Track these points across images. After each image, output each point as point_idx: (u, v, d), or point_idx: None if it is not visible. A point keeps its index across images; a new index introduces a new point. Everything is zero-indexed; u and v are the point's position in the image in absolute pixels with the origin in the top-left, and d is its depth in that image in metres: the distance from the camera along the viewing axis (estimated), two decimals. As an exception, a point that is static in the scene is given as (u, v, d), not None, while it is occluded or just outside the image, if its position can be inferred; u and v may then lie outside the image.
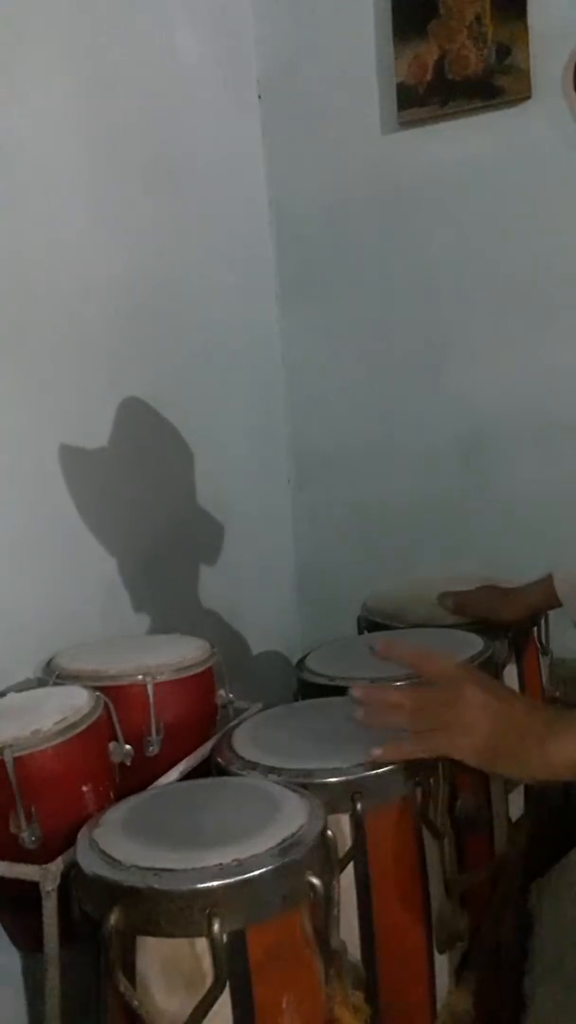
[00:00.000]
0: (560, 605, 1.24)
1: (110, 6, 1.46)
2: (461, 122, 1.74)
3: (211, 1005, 0.64)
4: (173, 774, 0.99)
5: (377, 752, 0.84)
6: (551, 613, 1.33)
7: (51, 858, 0.81)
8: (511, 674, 1.25)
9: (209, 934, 0.64)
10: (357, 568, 1.89)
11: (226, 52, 1.80)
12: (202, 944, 0.65)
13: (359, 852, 0.83)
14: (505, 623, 1.26)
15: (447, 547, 1.83)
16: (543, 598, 1.25)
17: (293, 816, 0.75)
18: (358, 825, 0.82)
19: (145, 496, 1.52)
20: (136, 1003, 0.66)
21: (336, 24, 1.84)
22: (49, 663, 1.11)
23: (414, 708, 0.86)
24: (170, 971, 0.66)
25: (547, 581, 1.24)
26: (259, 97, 1.91)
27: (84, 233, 1.39)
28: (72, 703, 0.91)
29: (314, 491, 2.01)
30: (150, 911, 0.65)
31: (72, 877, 0.75)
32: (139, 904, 0.66)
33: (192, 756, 1.03)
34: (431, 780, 0.89)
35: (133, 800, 0.84)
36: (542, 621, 1.35)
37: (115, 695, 0.97)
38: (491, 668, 1.12)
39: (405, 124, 1.78)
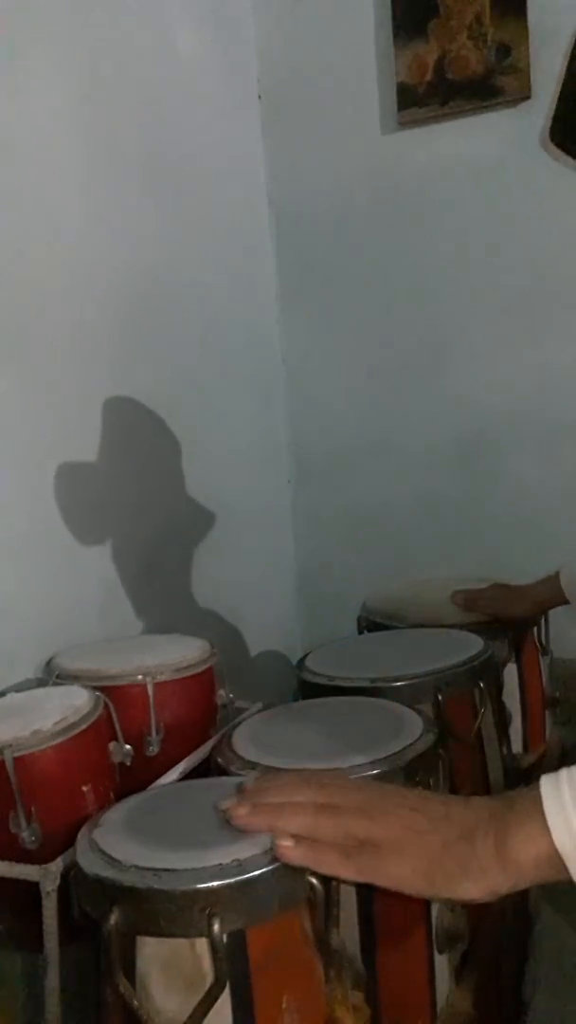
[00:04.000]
0: (567, 602, 1.25)
1: (110, 6, 1.46)
2: (461, 122, 1.75)
3: (211, 1005, 0.64)
4: (173, 774, 0.99)
5: (285, 843, 0.66)
6: (551, 613, 1.33)
7: (51, 858, 0.81)
8: (511, 674, 1.25)
9: (209, 934, 0.64)
10: (357, 568, 1.89)
11: (226, 52, 1.80)
12: (202, 944, 0.65)
13: (359, 852, 0.82)
14: (514, 619, 1.28)
15: (447, 547, 1.83)
16: (551, 595, 1.27)
17: (293, 816, 0.75)
18: (358, 825, 0.82)
19: (145, 496, 1.52)
20: (136, 1003, 0.66)
21: (336, 24, 1.84)
22: (49, 663, 1.11)
23: (320, 807, 0.68)
24: (170, 971, 0.66)
25: (554, 578, 1.26)
26: (259, 97, 1.91)
27: (84, 233, 1.39)
28: (72, 703, 0.91)
29: (314, 491, 2.01)
30: (150, 911, 0.65)
31: (72, 877, 0.74)
32: (139, 904, 0.66)
33: (192, 756, 1.03)
34: (431, 780, 0.88)
35: (133, 800, 0.84)
36: (542, 621, 1.36)
37: (115, 695, 0.97)
38: (491, 668, 1.13)
39: (405, 124, 1.79)
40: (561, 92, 0.82)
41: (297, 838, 0.67)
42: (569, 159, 0.82)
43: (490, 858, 0.63)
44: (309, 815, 0.68)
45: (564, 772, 0.62)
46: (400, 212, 1.84)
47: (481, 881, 0.63)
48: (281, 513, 2.01)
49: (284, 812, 0.69)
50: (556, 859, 0.60)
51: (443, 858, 0.64)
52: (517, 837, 0.62)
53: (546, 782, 0.63)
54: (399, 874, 0.65)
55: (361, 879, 0.67)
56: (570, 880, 0.60)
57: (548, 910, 0.95)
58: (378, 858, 0.66)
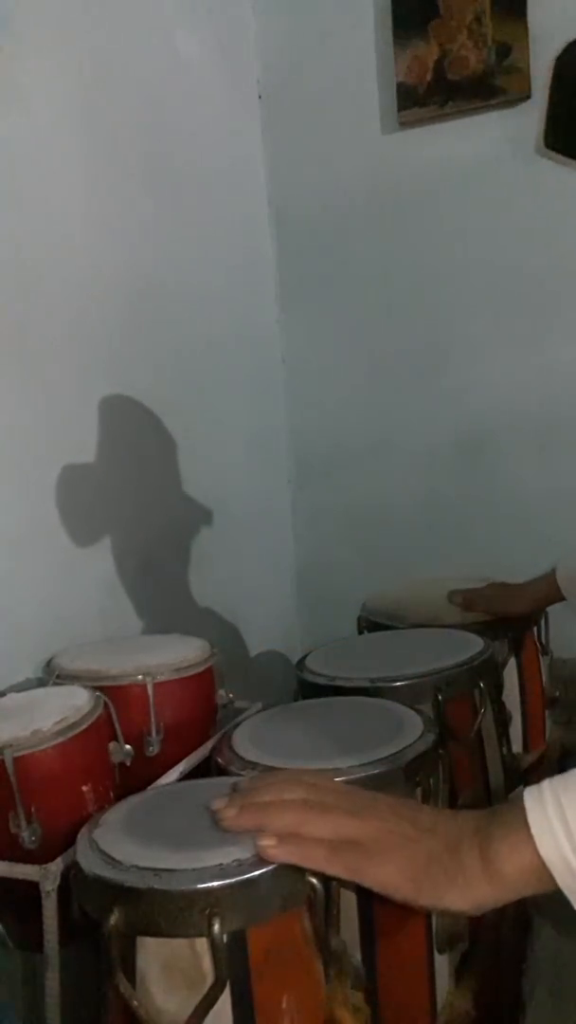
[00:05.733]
0: (564, 599, 1.25)
1: (110, 6, 1.46)
2: (461, 122, 1.75)
3: (211, 1005, 0.64)
4: (173, 774, 0.99)
5: (267, 842, 0.66)
6: (551, 612, 1.34)
7: (51, 858, 0.81)
8: (511, 674, 1.25)
9: (209, 934, 0.64)
10: (357, 568, 1.89)
11: (226, 52, 1.80)
12: (202, 944, 0.65)
13: (359, 852, 0.82)
14: (513, 617, 1.28)
15: (447, 547, 1.83)
16: (548, 592, 1.27)
17: (293, 816, 0.75)
18: (358, 825, 0.82)
19: (145, 496, 1.52)
20: (136, 1003, 0.66)
21: (336, 24, 1.84)
22: (49, 663, 1.11)
23: (309, 806, 0.68)
24: (170, 971, 0.66)
25: (550, 575, 1.26)
26: (259, 97, 1.91)
27: (84, 233, 1.39)
28: (72, 703, 0.91)
29: (314, 491, 2.01)
30: (150, 911, 0.65)
31: (72, 877, 0.74)
32: (139, 904, 0.66)
33: (192, 756, 1.03)
34: (431, 780, 0.88)
35: (133, 800, 0.84)
36: (542, 621, 1.36)
37: (115, 695, 0.97)
38: (491, 668, 1.13)
39: (405, 124, 1.79)
40: (550, 97, 0.82)
41: (283, 835, 0.67)
42: (567, 159, 0.82)
43: (476, 870, 0.63)
44: (298, 812, 0.68)
45: (547, 783, 0.63)
46: (400, 212, 1.84)
47: (467, 892, 0.63)
48: (281, 513, 2.01)
49: (272, 810, 0.69)
50: (541, 869, 0.61)
51: (429, 866, 0.64)
52: (502, 848, 0.62)
53: (529, 794, 0.63)
54: (386, 876, 0.65)
55: (348, 876, 0.66)
56: (556, 890, 0.61)
57: (547, 911, 0.95)
58: (366, 858, 0.66)
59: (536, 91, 1.66)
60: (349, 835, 0.67)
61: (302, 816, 0.68)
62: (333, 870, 0.66)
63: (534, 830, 0.61)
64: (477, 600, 1.30)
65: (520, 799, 0.63)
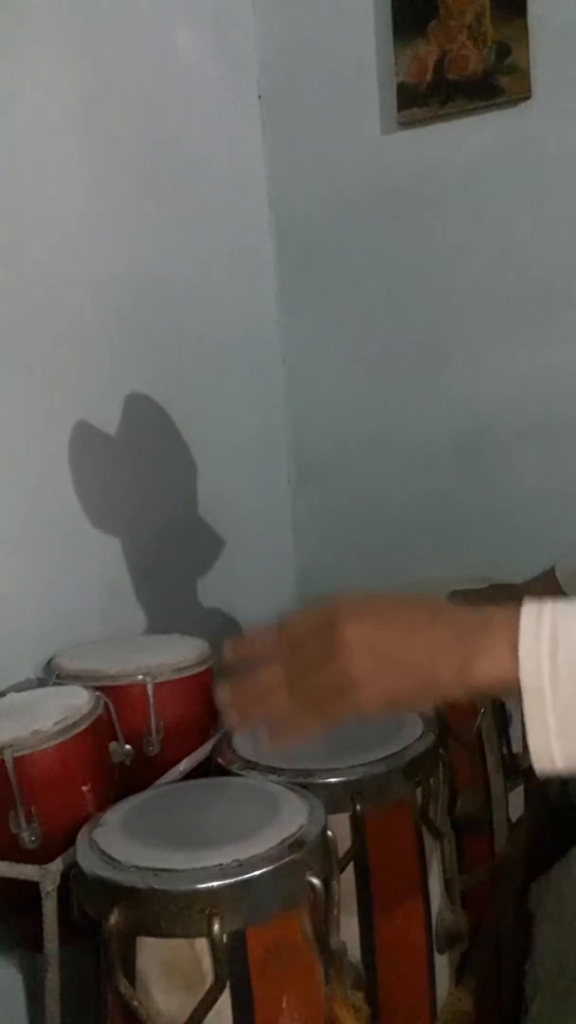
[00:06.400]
0: (565, 596, 1.25)
1: (110, 6, 1.46)
2: (461, 122, 1.74)
3: (211, 1005, 0.64)
4: (173, 774, 0.99)
5: (266, 743, 0.71)
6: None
7: (51, 858, 0.81)
8: (511, 674, 1.25)
9: (209, 934, 0.64)
10: (357, 568, 1.89)
11: (226, 52, 1.80)
12: (202, 944, 0.65)
13: (359, 852, 0.82)
14: None
15: (447, 547, 1.83)
16: (548, 590, 1.26)
17: (293, 816, 0.75)
18: (358, 825, 0.82)
19: (145, 496, 1.52)
20: (136, 1003, 0.66)
21: (336, 24, 1.83)
22: (49, 663, 1.11)
23: (289, 681, 0.70)
24: (170, 971, 0.66)
25: (550, 574, 1.26)
26: (259, 97, 1.91)
27: (84, 233, 1.39)
28: (72, 703, 0.91)
29: (314, 491, 2.01)
30: (150, 911, 0.65)
31: (72, 877, 0.75)
32: (139, 904, 0.66)
33: (192, 756, 1.03)
34: (431, 780, 0.89)
35: (133, 800, 0.84)
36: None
37: (115, 695, 0.97)
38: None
39: (405, 124, 1.78)
40: None
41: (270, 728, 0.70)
42: None
43: (451, 682, 0.63)
44: (283, 689, 0.69)
45: (549, 606, 0.62)
46: (400, 212, 1.84)
47: (441, 699, 0.69)
48: (281, 512, 2.01)
49: (264, 697, 0.70)
50: (514, 685, 0.61)
51: (403, 686, 0.66)
52: (485, 661, 0.62)
53: (528, 611, 0.62)
54: (358, 710, 0.67)
55: (332, 722, 0.68)
56: (518, 701, 0.61)
57: (547, 910, 0.95)
58: (340, 701, 0.67)
59: (536, 91, 1.66)
60: (327, 682, 0.67)
61: (287, 688, 0.69)
62: (323, 727, 0.69)
63: (521, 652, 0.61)
64: (477, 601, 1.30)
65: (518, 612, 0.62)
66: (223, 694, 0.72)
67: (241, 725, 0.73)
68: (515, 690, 0.60)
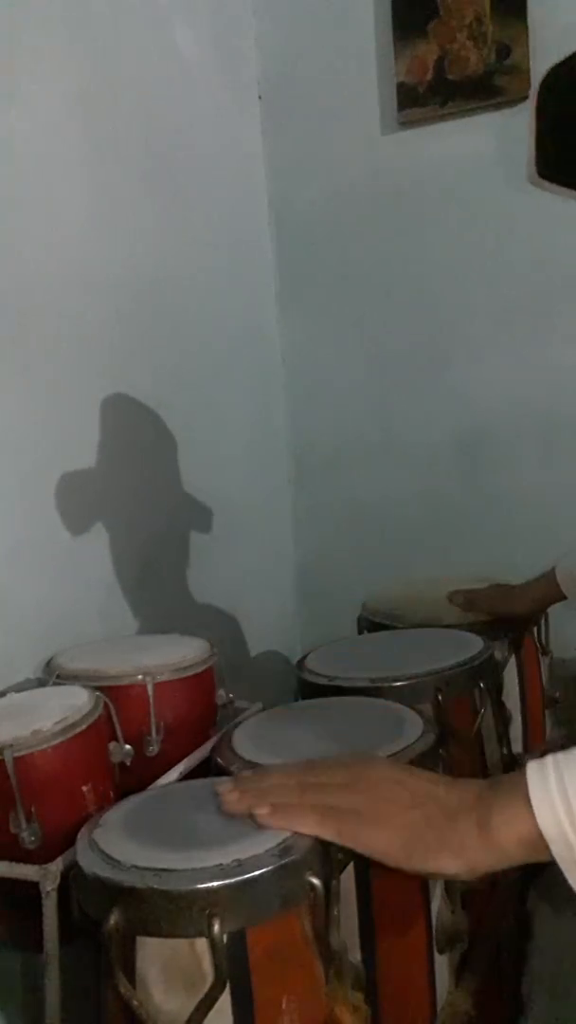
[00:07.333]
0: (565, 597, 1.25)
1: (110, 6, 1.46)
2: (461, 122, 1.75)
3: (211, 1005, 0.64)
4: (173, 774, 0.99)
5: (263, 811, 0.70)
6: (551, 612, 1.33)
7: (51, 858, 0.81)
8: (511, 674, 1.25)
9: (209, 934, 0.64)
10: (357, 568, 1.89)
11: (226, 52, 1.80)
12: (202, 944, 0.65)
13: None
14: (514, 618, 1.28)
15: (447, 546, 1.83)
16: (548, 592, 1.27)
17: (293, 816, 0.75)
18: (358, 825, 0.82)
19: (145, 496, 1.52)
20: (136, 1003, 0.66)
21: (336, 24, 1.84)
22: (49, 663, 1.11)
23: (302, 788, 0.71)
24: (170, 971, 0.66)
25: (550, 574, 1.26)
26: (259, 97, 1.91)
27: (84, 233, 1.39)
28: (72, 703, 0.91)
29: (314, 490, 2.01)
30: (150, 911, 0.65)
31: (72, 877, 0.74)
32: (139, 904, 0.66)
33: (192, 756, 1.03)
34: (431, 780, 0.88)
35: (133, 800, 0.84)
36: (542, 621, 1.36)
37: (115, 695, 0.97)
38: (491, 668, 1.13)
39: (405, 124, 1.79)
40: (536, 127, 0.80)
41: (279, 806, 0.70)
42: (564, 189, 0.80)
43: (472, 836, 0.65)
44: (294, 791, 0.71)
45: (550, 758, 0.64)
46: (400, 212, 1.84)
47: (460, 856, 0.65)
48: (281, 512, 2.01)
49: (271, 790, 0.72)
50: (538, 841, 0.62)
51: (423, 832, 0.66)
52: (501, 817, 0.64)
53: (532, 767, 0.65)
54: (377, 842, 0.67)
55: (340, 840, 0.69)
56: (552, 861, 0.62)
57: (547, 910, 0.95)
58: (358, 823, 0.68)
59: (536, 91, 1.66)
60: (345, 808, 0.69)
61: (297, 794, 0.71)
62: (326, 834, 0.69)
63: (534, 802, 0.62)
64: (477, 600, 1.30)
65: (523, 771, 0.64)
66: (227, 785, 0.74)
67: (238, 803, 0.72)
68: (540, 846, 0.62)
